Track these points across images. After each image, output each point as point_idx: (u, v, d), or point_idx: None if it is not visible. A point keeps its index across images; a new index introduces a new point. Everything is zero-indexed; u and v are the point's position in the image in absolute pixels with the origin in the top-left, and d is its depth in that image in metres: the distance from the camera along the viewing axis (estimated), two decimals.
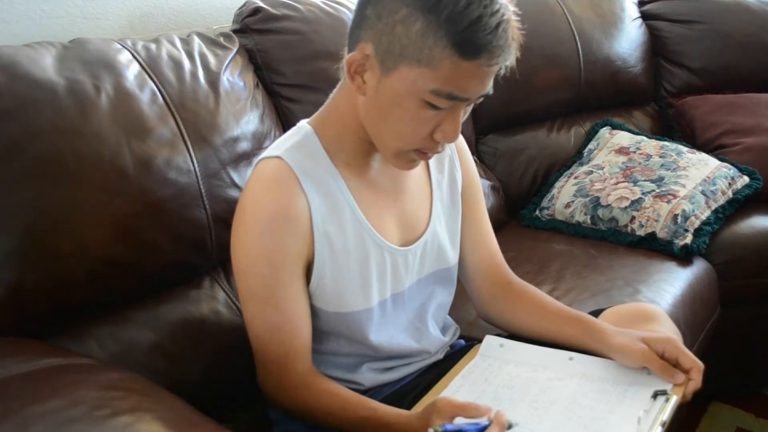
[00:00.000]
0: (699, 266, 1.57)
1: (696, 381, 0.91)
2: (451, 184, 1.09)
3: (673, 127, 2.19)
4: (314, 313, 0.96)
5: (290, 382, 0.93)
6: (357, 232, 0.95)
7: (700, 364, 0.92)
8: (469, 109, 0.90)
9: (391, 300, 1.00)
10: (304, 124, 0.97)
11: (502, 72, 0.86)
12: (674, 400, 0.88)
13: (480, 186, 1.15)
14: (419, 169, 1.05)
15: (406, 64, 0.82)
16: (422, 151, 0.90)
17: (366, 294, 0.96)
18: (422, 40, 0.80)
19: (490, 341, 1.06)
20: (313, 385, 0.93)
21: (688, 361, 0.91)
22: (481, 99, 0.87)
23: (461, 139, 1.13)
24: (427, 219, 1.04)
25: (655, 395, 0.90)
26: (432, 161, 1.07)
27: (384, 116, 0.87)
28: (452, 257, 1.08)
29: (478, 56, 0.79)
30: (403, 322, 1.04)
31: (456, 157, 1.10)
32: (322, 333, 0.99)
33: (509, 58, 0.83)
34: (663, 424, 0.85)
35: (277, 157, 0.91)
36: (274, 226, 0.89)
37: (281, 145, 0.94)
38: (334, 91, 0.97)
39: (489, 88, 0.85)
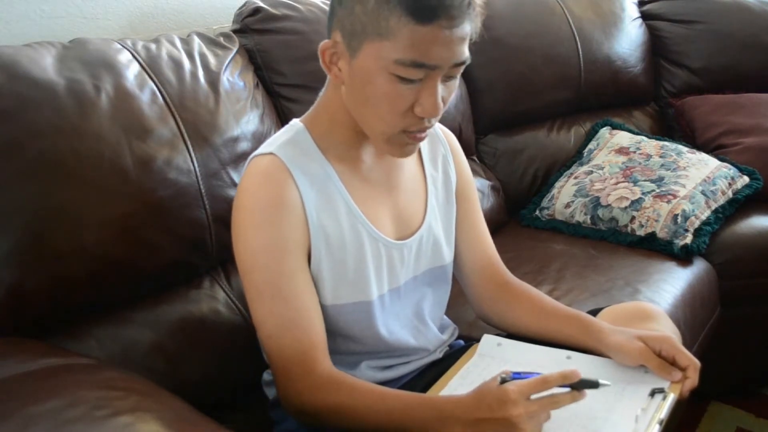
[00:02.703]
0: (699, 266, 1.57)
1: (693, 379, 0.91)
2: (446, 182, 1.09)
3: (673, 127, 2.19)
4: None
5: (316, 382, 0.89)
6: (352, 224, 0.95)
7: (697, 363, 0.92)
8: (452, 84, 0.89)
9: (389, 295, 1.00)
10: (296, 122, 0.98)
11: (473, 38, 0.85)
12: (671, 397, 0.89)
13: (474, 185, 1.15)
14: (413, 165, 1.05)
15: (369, 42, 0.83)
16: (410, 132, 0.89)
17: (363, 287, 0.96)
18: (378, 13, 0.81)
19: (488, 340, 1.06)
20: (344, 382, 0.90)
21: (685, 359, 0.92)
22: (458, 67, 0.86)
23: (454, 138, 1.14)
24: (422, 214, 1.04)
25: (653, 393, 0.90)
26: (426, 158, 1.07)
27: (362, 99, 0.88)
28: (447, 255, 1.08)
29: (433, 19, 0.80)
30: (401, 318, 1.04)
31: (450, 156, 1.10)
32: None
33: (472, 20, 0.83)
34: (661, 422, 0.85)
35: (270, 153, 0.92)
36: (271, 216, 0.89)
37: (273, 142, 0.95)
38: (323, 88, 0.97)
39: (461, 55, 0.84)
